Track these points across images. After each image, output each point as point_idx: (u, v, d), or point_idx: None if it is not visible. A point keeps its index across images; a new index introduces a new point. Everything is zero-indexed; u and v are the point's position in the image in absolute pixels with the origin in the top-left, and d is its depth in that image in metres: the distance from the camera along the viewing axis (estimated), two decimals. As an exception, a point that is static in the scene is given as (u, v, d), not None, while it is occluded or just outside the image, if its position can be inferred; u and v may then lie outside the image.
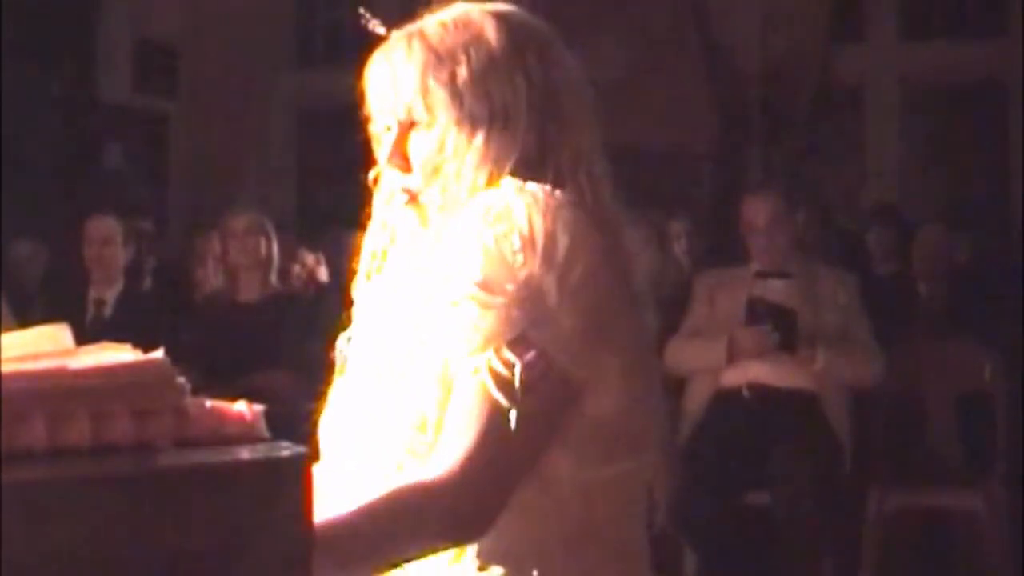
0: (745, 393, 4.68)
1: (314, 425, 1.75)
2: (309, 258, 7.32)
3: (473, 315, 1.52)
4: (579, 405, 1.57)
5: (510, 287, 1.52)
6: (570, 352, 1.54)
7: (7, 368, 1.18)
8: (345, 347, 1.77)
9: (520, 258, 1.53)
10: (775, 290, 4.75)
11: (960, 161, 10.62)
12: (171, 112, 11.42)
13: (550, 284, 1.52)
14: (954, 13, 10.76)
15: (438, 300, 1.56)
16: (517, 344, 1.52)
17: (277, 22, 11.86)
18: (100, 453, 1.18)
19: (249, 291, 5.46)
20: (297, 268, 7.17)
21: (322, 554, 1.39)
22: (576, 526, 1.59)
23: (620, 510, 1.64)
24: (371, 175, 1.74)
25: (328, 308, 5.42)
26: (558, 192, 1.58)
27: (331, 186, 11.42)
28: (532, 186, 1.58)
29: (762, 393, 4.65)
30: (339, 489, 1.70)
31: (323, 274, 7.24)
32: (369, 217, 1.77)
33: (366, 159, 1.75)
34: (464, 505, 1.52)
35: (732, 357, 4.68)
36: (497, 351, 1.52)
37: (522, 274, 1.53)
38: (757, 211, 4.87)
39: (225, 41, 11.12)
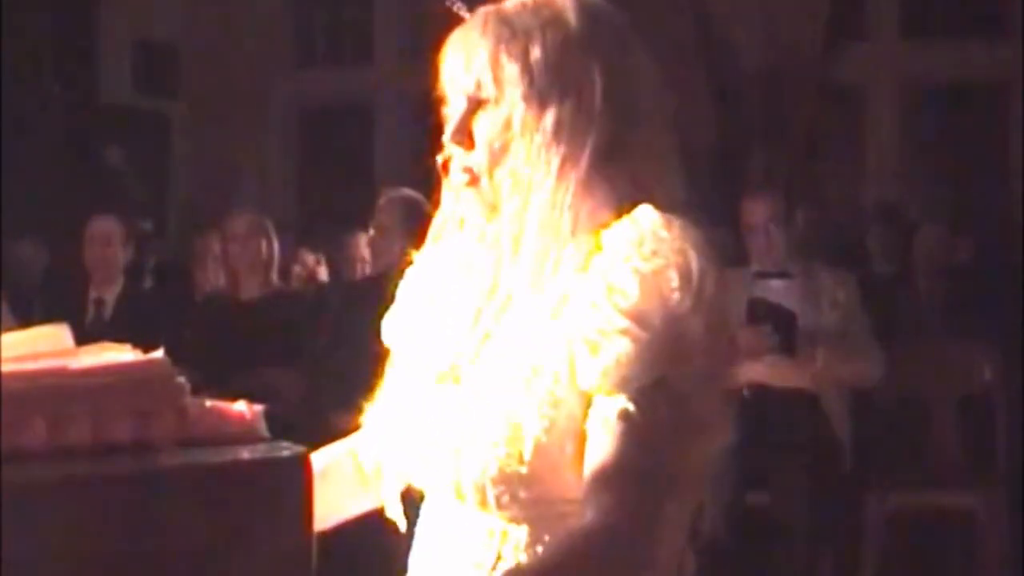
0: (745, 393, 4.68)
1: (358, 413, 1.72)
2: (309, 258, 7.32)
3: (619, 349, 1.47)
4: (701, 447, 1.54)
5: (658, 323, 1.48)
6: (703, 395, 1.51)
7: (7, 368, 1.18)
8: (398, 338, 1.72)
9: (676, 296, 1.48)
10: (775, 290, 4.75)
11: (960, 161, 10.62)
12: (171, 112, 11.42)
13: (697, 324, 1.48)
14: (955, 13, 10.75)
15: (575, 326, 1.51)
16: (659, 385, 1.48)
17: (277, 22, 11.86)
18: (100, 453, 1.18)
19: (250, 291, 5.46)
20: (297, 268, 7.17)
21: None
22: (655, 561, 1.56)
23: (672, 546, 1.62)
24: (439, 160, 1.65)
25: (328, 308, 5.44)
26: (697, 229, 1.54)
27: (331, 186, 11.43)
28: (678, 220, 1.54)
29: (762, 393, 4.65)
30: (391, 487, 1.69)
31: (323, 274, 7.24)
32: (437, 205, 1.70)
33: (433, 146, 1.67)
34: (636, 542, 1.48)
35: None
36: (641, 392, 1.48)
37: (674, 311, 1.48)
38: (756, 211, 4.87)
39: (225, 41, 11.13)
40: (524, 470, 1.51)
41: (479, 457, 1.52)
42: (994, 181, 10.40)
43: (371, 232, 5.18)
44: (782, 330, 4.62)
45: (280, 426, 1.40)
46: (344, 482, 1.75)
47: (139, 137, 10.93)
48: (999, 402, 4.95)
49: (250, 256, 5.45)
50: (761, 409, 4.62)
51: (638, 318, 1.48)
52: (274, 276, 5.58)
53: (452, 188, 1.65)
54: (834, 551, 4.68)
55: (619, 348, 1.47)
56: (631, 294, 1.49)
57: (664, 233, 1.52)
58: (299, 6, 12.14)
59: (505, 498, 1.52)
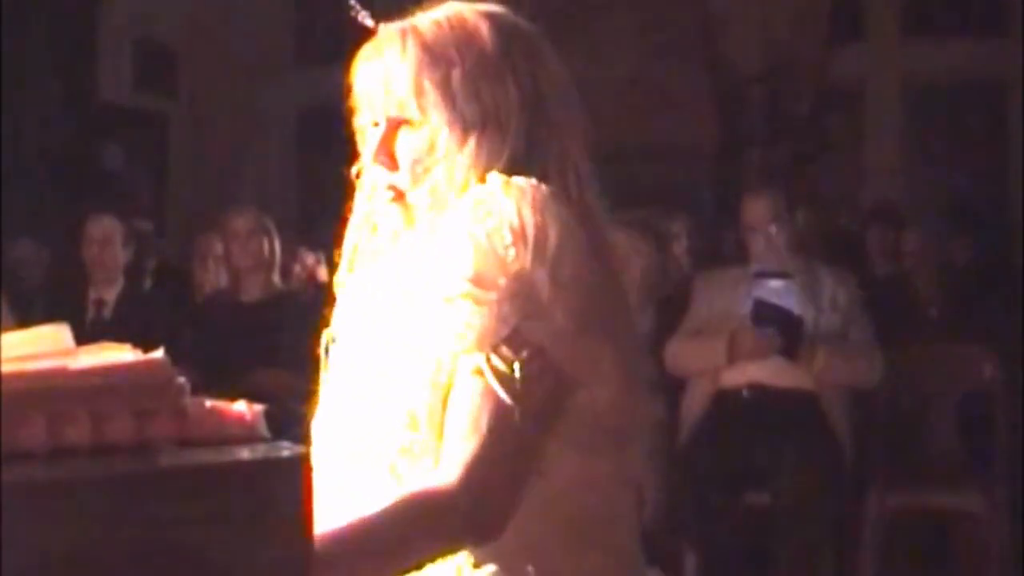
0: (745, 394, 4.68)
1: (308, 425, 1.74)
2: (309, 258, 7.32)
3: (466, 312, 1.52)
4: (572, 398, 1.56)
5: (502, 281, 1.52)
6: (564, 346, 1.53)
7: (7, 368, 1.18)
8: (329, 345, 1.76)
9: (512, 252, 1.52)
10: (775, 290, 4.75)
11: (960, 161, 10.62)
12: (171, 112, 11.42)
13: (542, 278, 1.52)
14: (955, 12, 10.75)
15: (429, 297, 1.56)
16: (512, 340, 1.52)
17: (277, 22, 11.86)
18: (100, 453, 1.18)
19: (251, 291, 5.46)
20: (297, 268, 7.16)
21: (336, 564, 1.39)
22: (568, 521, 1.59)
23: (611, 504, 1.63)
24: (354, 170, 1.74)
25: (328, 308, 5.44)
26: (544, 186, 1.57)
27: (331, 186, 11.43)
28: (519, 180, 1.57)
29: (762, 394, 4.65)
30: (331, 489, 1.70)
31: (323, 274, 7.24)
32: (350, 212, 1.77)
33: (350, 154, 1.74)
34: (481, 507, 1.51)
35: (732, 357, 4.67)
36: (494, 349, 1.51)
37: (514, 268, 1.52)
38: (757, 211, 4.87)
39: (225, 41, 11.13)
40: (424, 439, 1.55)
41: (383, 434, 1.57)
42: (994, 181, 10.40)
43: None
44: (787, 336, 4.61)
45: (280, 426, 1.40)
46: None
47: (139, 137, 10.93)
48: (999, 402, 4.95)
49: (251, 256, 5.44)
50: (761, 409, 4.62)
51: (477, 280, 1.52)
52: (275, 276, 5.58)
53: (368, 195, 1.73)
54: (834, 551, 4.67)
55: (465, 311, 1.52)
56: (467, 258, 1.53)
57: (501, 195, 1.56)
58: (299, 6, 12.14)
59: (416, 472, 1.55)
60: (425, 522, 1.51)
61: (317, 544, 1.38)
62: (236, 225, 5.55)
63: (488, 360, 1.52)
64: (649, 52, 10.01)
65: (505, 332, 1.51)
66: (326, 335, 1.77)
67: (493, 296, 1.52)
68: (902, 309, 5.64)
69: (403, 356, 1.58)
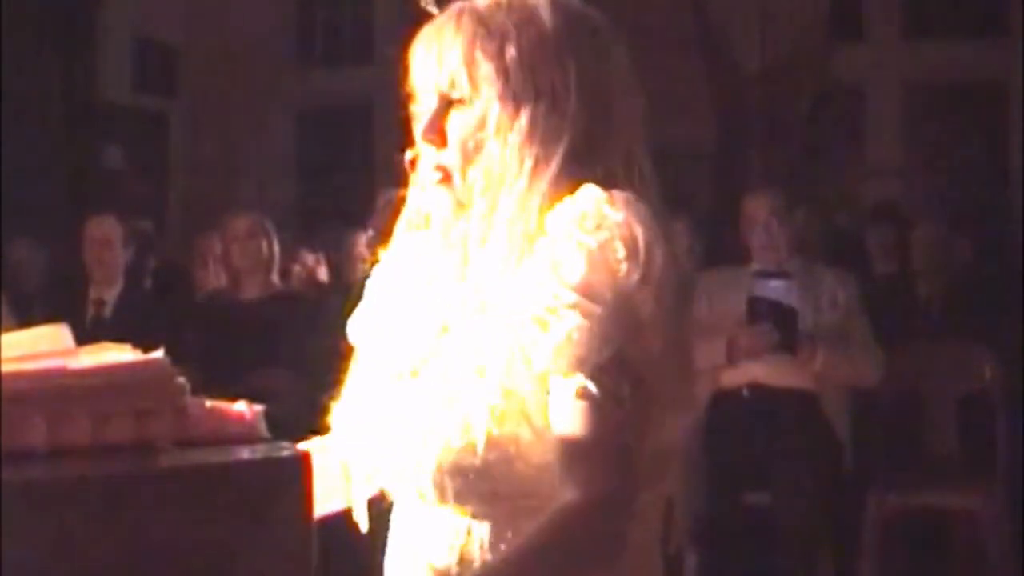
0: (745, 393, 4.68)
1: (324, 412, 1.71)
2: (309, 258, 7.32)
3: (571, 324, 1.46)
4: (653, 427, 1.52)
5: (610, 296, 1.46)
6: (656, 372, 1.49)
7: (7, 368, 1.18)
8: (362, 334, 1.72)
9: (624, 267, 1.47)
10: (775, 290, 4.75)
11: (960, 161, 10.63)
12: (171, 112, 11.42)
13: (646, 297, 1.47)
14: (955, 13, 10.77)
15: (512, 311, 1.50)
16: (613, 364, 1.47)
17: (277, 22, 11.87)
18: (100, 453, 1.18)
19: (250, 291, 5.46)
20: (297, 268, 7.17)
21: None
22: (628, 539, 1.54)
23: (646, 530, 1.60)
24: (407, 156, 1.65)
25: (328, 308, 5.43)
26: (643, 203, 1.51)
27: (331, 186, 11.43)
28: (621, 194, 1.52)
29: (762, 393, 4.65)
30: (358, 488, 1.67)
31: (323, 274, 7.24)
32: (403, 201, 1.69)
33: (403, 143, 1.66)
34: (612, 525, 1.48)
35: (732, 357, 4.67)
36: (599, 369, 1.46)
37: (623, 284, 1.46)
38: (757, 210, 4.87)
39: (225, 41, 11.13)
40: (478, 462, 1.50)
41: (434, 451, 1.52)
42: (994, 181, 10.41)
43: (371, 232, 5.18)
44: (782, 329, 4.62)
45: (280, 426, 1.40)
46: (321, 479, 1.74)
47: (138, 136, 10.94)
48: (999, 402, 4.95)
49: (251, 256, 5.45)
50: (761, 409, 4.62)
51: (587, 292, 1.47)
52: (275, 276, 5.58)
53: (422, 185, 1.64)
54: (834, 551, 4.67)
55: (570, 324, 1.46)
56: (578, 268, 1.47)
57: (607, 208, 1.50)
58: (299, 6, 12.15)
59: (463, 492, 1.51)
60: (572, 546, 1.47)
61: None
62: (236, 226, 5.56)
63: (596, 381, 1.46)
64: (649, 52, 10.01)
65: (608, 353, 1.46)
66: (354, 323, 1.73)
67: (600, 311, 1.46)
68: (902, 309, 5.64)
69: (461, 371, 1.54)
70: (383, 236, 1.75)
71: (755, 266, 4.86)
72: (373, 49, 11.76)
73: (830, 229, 7.35)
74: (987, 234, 7.73)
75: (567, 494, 1.47)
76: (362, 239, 6.12)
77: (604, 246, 1.47)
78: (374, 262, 1.76)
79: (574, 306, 1.46)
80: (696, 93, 10.40)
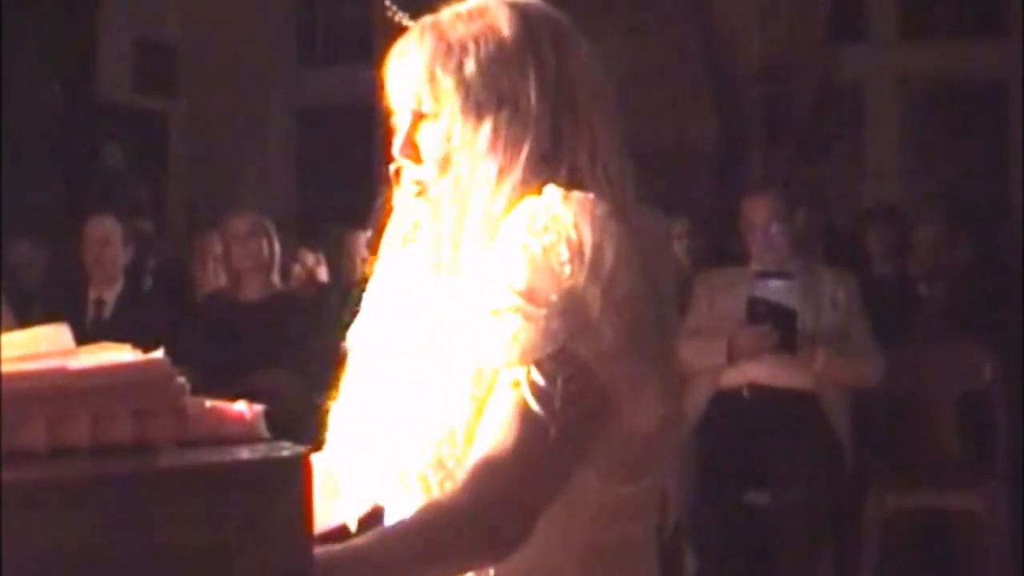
0: (745, 393, 4.68)
1: (322, 418, 1.73)
2: (309, 258, 7.33)
3: (514, 326, 1.49)
4: (614, 421, 1.53)
5: (554, 298, 1.49)
6: (610, 366, 1.50)
7: (7, 368, 1.18)
8: (357, 341, 1.74)
9: (568, 269, 1.49)
10: (775, 290, 4.76)
11: (960, 161, 10.63)
12: (170, 111, 11.42)
13: (595, 296, 1.49)
14: (954, 12, 10.76)
15: (477, 307, 1.53)
16: (557, 357, 1.49)
17: (277, 21, 11.87)
18: (100, 453, 1.18)
19: (250, 291, 5.46)
20: (297, 268, 7.17)
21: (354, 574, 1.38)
22: (593, 544, 1.57)
23: (637, 526, 1.61)
24: (391, 169, 1.70)
25: (328, 308, 5.44)
26: (603, 202, 1.54)
27: (331, 186, 11.43)
28: (578, 194, 1.54)
29: (762, 393, 4.66)
30: (352, 488, 1.69)
31: (323, 274, 7.24)
32: (389, 212, 1.73)
33: (384, 155, 1.72)
34: (505, 521, 1.48)
35: (732, 357, 4.68)
36: (537, 364, 1.49)
37: (567, 285, 1.49)
38: (757, 211, 4.88)
39: (225, 41, 11.13)
40: (460, 453, 1.53)
41: (418, 445, 1.55)
42: (994, 181, 10.40)
43: (371, 232, 5.18)
44: (782, 329, 4.62)
45: (280, 426, 1.40)
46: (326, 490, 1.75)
47: (138, 136, 10.93)
48: (999, 402, 4.95)
49: (251, 256, 5.45)
50: (761, 409, 4.63)
51: (529, 295, 1.50)
52: (275, 277, 5.58)
53: (404, 197, 1.69)
54: (834, 551, 4.68)
55: (513, 325, 1.49)
56: (521, 272, 1.51)
57: (559, 208, 1.53)
58: (299, 6, 12.15)
59: (447, 485, 1.53)
60: (449, 534, 1.48)
61: (338, 556, 1.38)
62: (236, 226, 5.57)
63: (528, 374, 1.49)
64: (649, 52, 10.01)
65: (551, 348, 1.48)
66: (352, 331, 1.75)
67: (543, 312, 1.49)
68: (902, 309, 5.64)
69: (444, 368, 1.56)
70: (379, 236, 1.77)
71: (755, 266, 4.86)
72: (373, 49, 11.75)
73: (830, 229, 7.35)
74: (987, 234, 7.72)
75: (467, 481, 1.48)
76: (362, 239, 6.13)
77: (548, 249, 1.51)
78: (374, 262, 1.78)
79: (516, 309, 1.50)
80: (696, 93, 10.40)
